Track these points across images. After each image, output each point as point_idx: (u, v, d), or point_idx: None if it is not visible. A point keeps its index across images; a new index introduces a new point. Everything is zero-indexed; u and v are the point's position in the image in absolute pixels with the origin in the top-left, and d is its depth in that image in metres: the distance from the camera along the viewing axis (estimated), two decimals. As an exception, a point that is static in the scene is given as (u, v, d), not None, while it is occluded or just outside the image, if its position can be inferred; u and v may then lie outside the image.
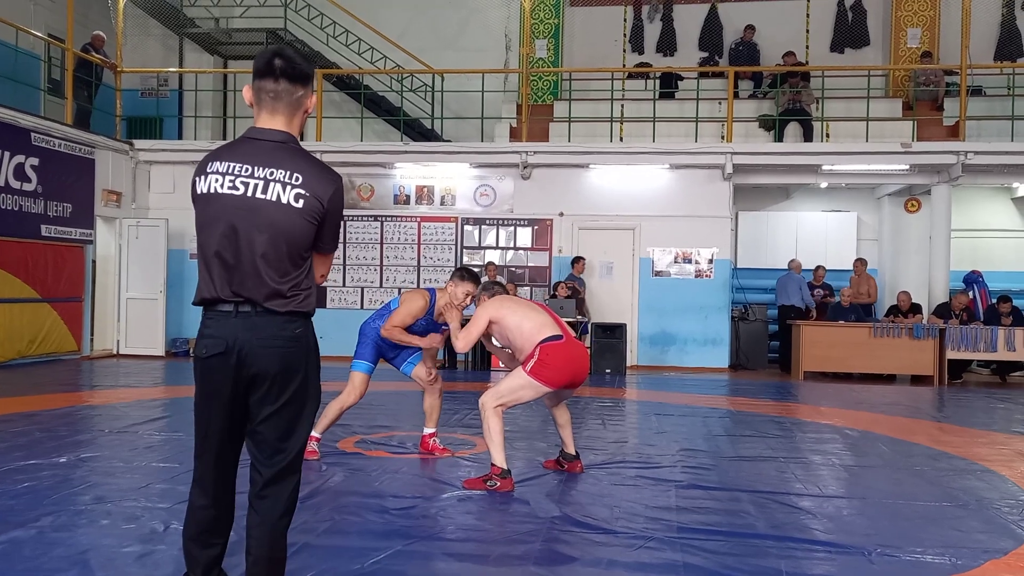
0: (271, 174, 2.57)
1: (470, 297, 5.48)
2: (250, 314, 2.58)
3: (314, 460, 5.49)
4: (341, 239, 13.66)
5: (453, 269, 5.92)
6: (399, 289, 13.34)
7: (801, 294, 12.80)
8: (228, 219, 2.56)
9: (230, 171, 2.58)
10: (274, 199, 2.56)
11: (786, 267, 13.24)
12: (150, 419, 7.20)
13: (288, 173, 2.58)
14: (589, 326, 12.18)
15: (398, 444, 6.27)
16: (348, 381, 5.72)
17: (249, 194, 2.56)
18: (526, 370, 4.95)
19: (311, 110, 2.74)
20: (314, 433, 5.60)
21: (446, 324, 5.72)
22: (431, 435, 5.98)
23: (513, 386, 4.99)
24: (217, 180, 2.58)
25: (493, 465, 4.91)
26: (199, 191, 2.61)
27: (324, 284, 13.05)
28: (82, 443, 6.06)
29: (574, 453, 5.45)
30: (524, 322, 5.06)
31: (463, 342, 5.05)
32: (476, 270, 12.67)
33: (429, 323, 5.66)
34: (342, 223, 2.78)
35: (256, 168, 2.58)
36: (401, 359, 5.86)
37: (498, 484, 4.85)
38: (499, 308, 5.13)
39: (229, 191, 2.57)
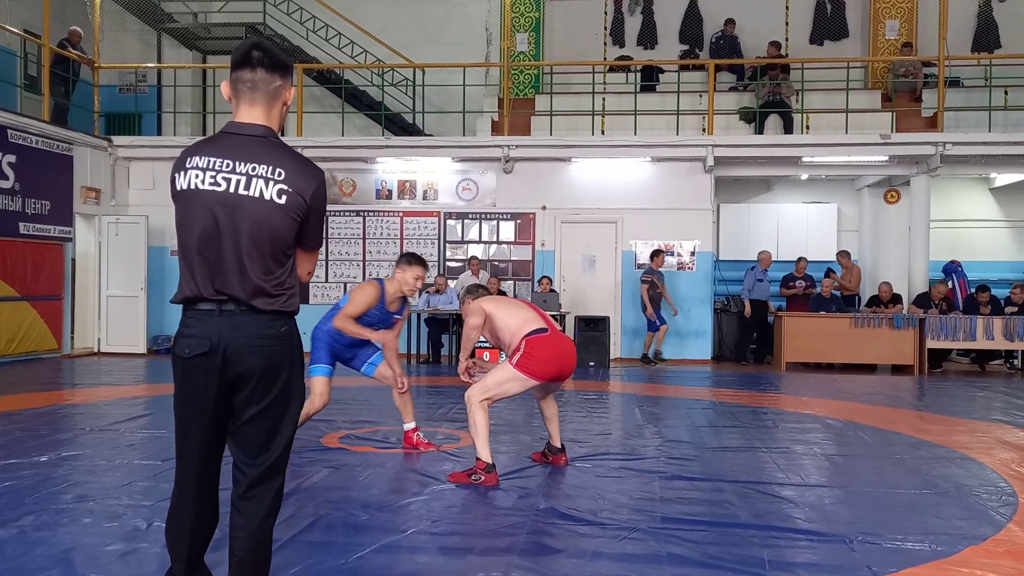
0: (253, 169, 2.53)
1: (420, 281, 5.50)
2: (234, 312, 2.55)
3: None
4: (323, 234, 13.78)
5: (399, 255, 5.77)
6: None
7: (751, 288, 12.78)
8: (210, 216, 2.52)
9: (211, 166, 2.54)
10: (256, 195, 2.52)
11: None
12: (132, 417, 7.15)
13: (270, 168, 2.54)
14: (568, 319, 12.20)
15: (382, 439, 6.26)
16: (309, 386, 5.62)
17: (231, 190, 2.52)
18: (512, 363, 4.97)
19: (290, 103, 2.71)
20: None
21: (398, 313, 5.66)
22: (413, 430, 5.97)
23: (499, 379, 5.00)
24: (197, 176, 2.54)
25: (478, 459, 4.93)
26: (179, 187, 2.57)
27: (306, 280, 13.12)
28: (63, 442, 6.02)
29: (560, 446, 5.47)
30: (511, 319, 5.11)
31: (470, 339, 5.16)
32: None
33: (382, 312, 5.53)
34: (325, 219, 2.76)
35: (237, 163, 2.54)
36: (360, 360, 5.78)
37: (483, 478, 4.86)
38: (488, 304, 5.18)
39: (211, 187, 2.52)
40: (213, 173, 2.53)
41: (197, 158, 2.56)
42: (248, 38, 14.25)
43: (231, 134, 2.60)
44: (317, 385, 5.54)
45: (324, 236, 13.14)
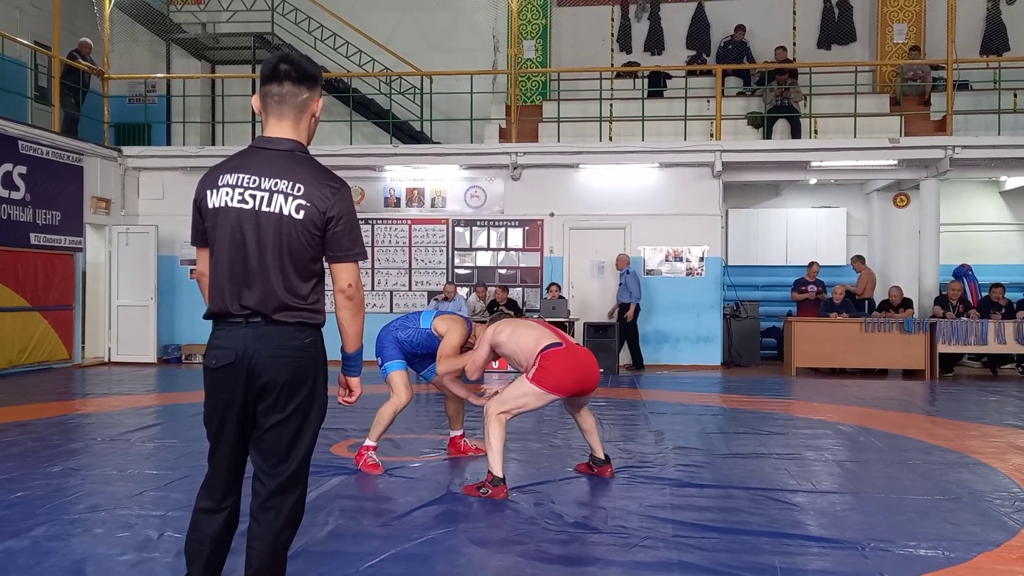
0: (275, 185, 2.57)
1: None
2: (259, 324, 2.59)
3: (377, 474, 5.38)
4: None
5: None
6: (390, 292, 13.32)
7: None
8: (239, 233, 2.57)
9: (240, 183, 2.58)
10: (277, 211, 2.56)
11: (778, 263, 13.16)
12: (143, 427, 7.18)
13: (290, 183, 2.57)
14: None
15: (393, 447, 6.27)
16: (390, 385, 5.61)
17: (256, 207, 2.56)
18: (528, 378, 4.93)
19: (319, 114, 2.72)
20: (370, 442, 5.54)
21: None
22: (460, 436, 6.04)
23: (516, 394, 4.96)
24: (228, 193, 2.58)
25: (488, 472, 4.88)
26: (211, 205, 2.60)
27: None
28: (75, 452, 6.04)
29: (603, 457, 5.42)
30: (521, 340, 5.08)
31: (474, 371, 5.22)
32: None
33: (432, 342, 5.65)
34: (356, 228, 2.76)
35: (263, 179, 2.58)
36: (424, 367, 5.89)
37: (490, 491, 4.80)
38: (495, 335, 5.17)
39: (239, 205, 2.57)
40: (242, 190, 2.58)
41: (228, 175, 2.60)
42: (258, 49, 14.41)
43: (259, 149, 2.64)
44: (398, 380, 5.60)
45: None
